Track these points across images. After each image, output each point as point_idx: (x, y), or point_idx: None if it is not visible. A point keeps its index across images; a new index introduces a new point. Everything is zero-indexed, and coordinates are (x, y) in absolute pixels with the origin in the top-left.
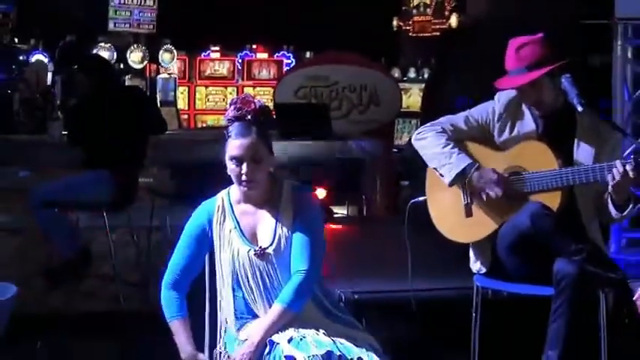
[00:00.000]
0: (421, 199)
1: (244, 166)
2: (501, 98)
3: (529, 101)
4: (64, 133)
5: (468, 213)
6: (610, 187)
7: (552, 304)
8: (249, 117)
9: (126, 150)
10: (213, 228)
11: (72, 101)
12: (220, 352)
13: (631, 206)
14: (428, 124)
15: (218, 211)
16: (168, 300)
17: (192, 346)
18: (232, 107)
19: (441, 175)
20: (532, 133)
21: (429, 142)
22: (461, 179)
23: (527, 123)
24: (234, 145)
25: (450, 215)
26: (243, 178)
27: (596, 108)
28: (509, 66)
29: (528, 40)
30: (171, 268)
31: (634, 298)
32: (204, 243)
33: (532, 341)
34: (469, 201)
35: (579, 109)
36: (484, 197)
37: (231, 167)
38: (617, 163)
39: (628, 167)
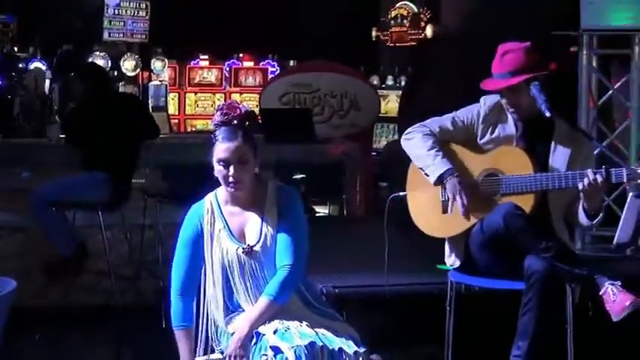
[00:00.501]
0: (401, 193)
1: (231, 169)
2: (487, 101)
3: (509, 104)
4: (61, 136)
5: (445, 210)
6: (582, 194)
7: (523, 298)
8: (235, 122)
9: (120, 153)
10: (204, 229)
11: (69, 106)
12: (213, 347)
13: (601, 215)
14: (417, 125)
15: (207, 213)
16: (176, 309)
17: (191, 355)
18: (219, 112)
19: (426, 174)
20: (512, 136)
21: (415, 143)
22: (440, 181)
23: (509, 126)
24: (222, 149)
25: (428, 211)
26: (230, 179)
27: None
28: (494, 69)
29: (514, 47)
30: (176, 276)
31: (600, 293)
32: (200, 245)
33: (503, 333)
34: (446, 198)
35: (547, 114)
36: (452, 202)
37: (218, 169)
38: (589, 171)
39: (598, 177)
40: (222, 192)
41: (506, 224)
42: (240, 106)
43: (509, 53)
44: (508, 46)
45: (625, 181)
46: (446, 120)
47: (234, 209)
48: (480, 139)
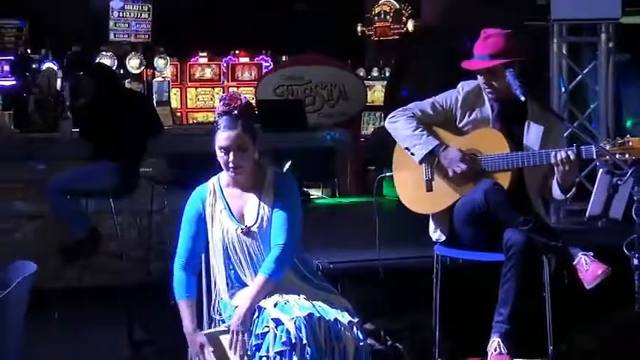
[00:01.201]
0: (388, 174)
1: (231, 155)
2: (465, 87)
3: (486, 84)
4: (73, 130)
5: (429, 188)
6: (556, 170)
7: (503, 269)
8: (235, 112)
9: (128, 144)
10: (207, 209)
11: (80, 102)
12: (217, 319)
13: (573, 190)
14: (399, 109)
15: (210, 194)
16: (179, 282)
17: (194, 324)
18: (222, 103)
19: (412, 154)
20: (488, 118)
21: (400, 125)
22: (430, 158)
23: (485, 109)
24: (223, 137)
25: (413, 190)
26: (231, 165)
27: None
28: (476, 51)
29: (496, 32)
30: (180, 252)
31: (574, 263)
32: (203, 223)
33: (485, 301)
34: (430, 177)
35: (522, 98)
36: (451, 173)
37: (220, 155)
38: (560, 149)
39: (570, 153)
40: (224, 176)
41: (487, 200)
42: (241, 97)
43: (491, 37)
44: (490, 31)
45: (594, 157)
46: (426, 104)
47: (235, 192)
48: (459, 122)
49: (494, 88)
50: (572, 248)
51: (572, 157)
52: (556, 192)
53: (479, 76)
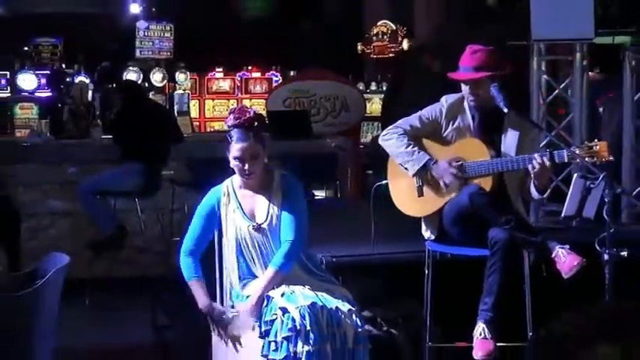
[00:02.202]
0: (384, 182)
1: (245, 164)
2: (448, 99)
3: (471, 93)
4: (102, 136)
5: (420, 194)
6: (532, 174)
7: (488, 263)
8: (246, 124)
9: (151, 150)
10: (221, 208)
11: (111, 113)
12: (230, 305)
13: (549, 190)
14: (391, 127)
15: (224, 195)
16: (186, 265)
17: (207, 297)
18: (232, 116)
19: (405, 168)
20: (469, 125)
21: (393, 143)
22: (422, 172)
23: (467, 117)
24: (236, 148)
25: (406, 196)
26: (245, 172)
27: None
28: (461, 63)
29: (480, 48)
30: (187, 239)
31: (552, 256)
32: (213, 220)
33: (471, 291)
34: (421, 184)
35: (505, 110)
36: (442, 184)
37: (235, 164)
38: (536, 155)
39: (545, 158)
40: (236, 178)
41: (472, 202)
42: (249, 109)
43: (477, 52)
44: (475, 47)
45: (566, 160)
46: (414, 119)
47: (247, 193)
48: (444, 130)
49: (478, 97)
50: (549, 242)
51: (546, 161)
52: (534, 192)
53: (463, 87)
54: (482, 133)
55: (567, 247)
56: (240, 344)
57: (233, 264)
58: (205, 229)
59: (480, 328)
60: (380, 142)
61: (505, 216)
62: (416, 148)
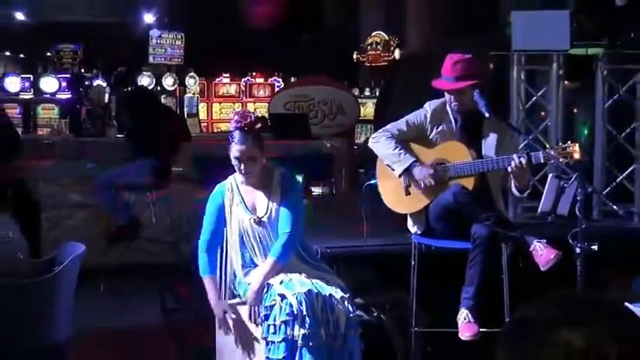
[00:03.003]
0: (373, 181)
1: (242, 164)
2: (431, 105)
3: (455, 100)
4: (117, 135)
5: (407, 192)
6: (511, 174)
7: (470, 255)
8: (246, 128)
9: (162, 148)
10: (226, 203)
11: (125, 115)
12: (233, 293)
13: (529, 189)
14: (380, 131)
15: (229, 190)
16: (203, 262)
17: (217, 295)
18: (234, 119)
19: (392, 169)
20: (452, 128)
21: (381, 145)
22: (407, 172)
23: (449, 122)
24: (236, 149)
25: (394, 194)
26: (242, 171)
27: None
28: (444, 72)
29: (461, 58)
30: (203, 236)
31: (529, 249)
32: (222, 213)
33: (454, 281)
34: (407, 184)
35: (486, 115)
36: (422, 185)
37: (234, 162)
38: (514, 156)
39: (522, 159)
40: (239, 175)
41: (456, 201)
42: (251, 114)
43: (458, 63)
44: (456, 57)
45: (542, 161)
46: (401, 124)
47: (248, 189)
48: (429, 134)
49: (461, 103)
50: (527, 237)
51: (523, 162)
52: (514, 191)
53: (447, 94)
54: (464, 136)
55: (544, 241)
56: (242, 338)
57: (236, 254)
58: (217, 224)
59: (464, 314)
60: (369, 144)
61: (486, 213)
62: (402, 151)
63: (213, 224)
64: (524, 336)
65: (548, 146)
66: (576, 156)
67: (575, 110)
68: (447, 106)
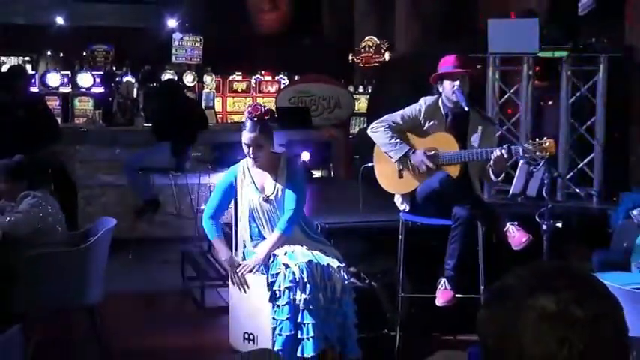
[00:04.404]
0: (370, 164)
1: (250, 150)
2: (426, 101)
3: (460, 86)
4: (144, 125)
5: (400, 176)
6: (492, 163)
7: (451, 233)
8: (255, 119)
9: (184, 134)
10: (238, 183)
11: (152, 105)
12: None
13: (503, 175)
14: (378, 121)
15: (241, 172)
16: (208, 227)
17: (228, 250)
18: (247, 110)
19: (390, 156)
20: (443, 122)
21: (380, 135)
22: (403, 159)
23: (441, 116)
24: (245, 136)
25: (389, 177)
26: (250, 156)
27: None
28: (444, 64)
29: (452, 56)
30: (209, 206)
31: (503, 230)
32: (231, 192)
33: (437, 254)
34: (401, 168)
35: (466, 108)
36: (418, 169)
37: (244, 147)
38: (497, 149)
39: (504, 152)
40: (249, 159)
41: (441, 185)
42: (261, 107)
43: (457, 58)
44: (453, 56)
45: (521, 154)
46: (397, 116)
47: (258, 171)
48: (423, 126)
49: (463, 85)
50: (502, 218)
51: (504, 154)
52: (491, 177)
53: (446, 86)
54: (453, 129)
55: (516, 223)
56: (249, 287)
57: (246, 228)
58: (223, 199)
59: (442, 281)
60: (369, 133)
61: (466, 196)
62: (398, 140)
63: (220, 199)
64: (505, 301)
65: (518, 136)
66: (552, 151)
67: (541, 103)
68: (440, 103)
